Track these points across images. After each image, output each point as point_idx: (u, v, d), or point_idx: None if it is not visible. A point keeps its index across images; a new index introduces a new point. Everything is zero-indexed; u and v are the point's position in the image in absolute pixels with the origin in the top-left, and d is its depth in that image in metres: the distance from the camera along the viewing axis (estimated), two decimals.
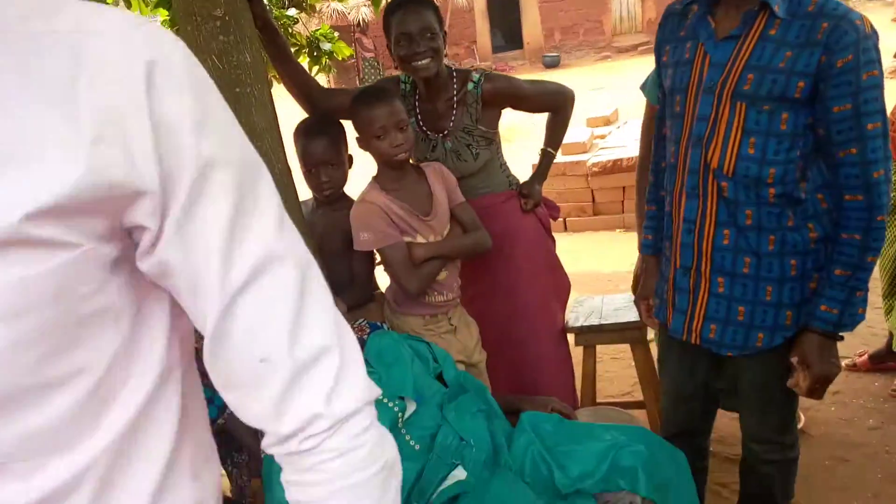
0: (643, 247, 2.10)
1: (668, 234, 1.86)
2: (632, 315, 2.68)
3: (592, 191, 5.99)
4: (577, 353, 2.76)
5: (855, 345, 3.31)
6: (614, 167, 5.80)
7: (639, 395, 3.39)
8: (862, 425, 2.78)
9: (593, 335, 2.69)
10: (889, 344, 3.12)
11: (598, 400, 2.87)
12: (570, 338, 2.74)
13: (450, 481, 1.71)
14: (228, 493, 2.19)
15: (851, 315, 1.59)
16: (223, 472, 2.18)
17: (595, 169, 5.90)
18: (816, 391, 1.68)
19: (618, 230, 5.88)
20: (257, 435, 1.80)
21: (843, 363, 3.22)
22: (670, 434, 2.04)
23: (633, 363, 3.74)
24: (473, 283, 2.54)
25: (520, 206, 2.51)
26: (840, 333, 1.63)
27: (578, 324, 2.70)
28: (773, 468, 1.93)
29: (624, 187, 5.81)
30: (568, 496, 1.71)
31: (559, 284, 2.69)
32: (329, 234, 2.18)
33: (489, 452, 1.81)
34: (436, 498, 1.66)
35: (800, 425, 2.66)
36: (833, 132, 1.54)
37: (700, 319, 1.79)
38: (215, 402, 1.90)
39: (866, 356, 3.19)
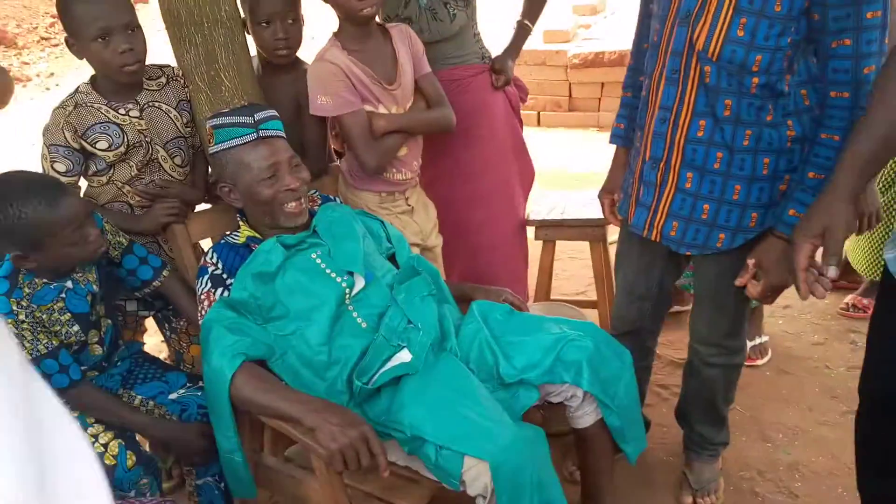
0: (613, 136, 1.99)
1: (640, 124, 1.76)
2: (594, 213, 2.60)
3: (570, 84, 5.76)
4: (535, 249, 2.70)
5: None
6: (595, 60, 5.56)
7: (592, 295, 3.39)
8: (806, 340, 2.83)
9: (553, 230, 2.62)
10: (843, 264, 3.13)
11: (553, 297, 2.84)
12: (530, 232, 2.67)
13: (394, 362, 1.66)
14: (166, 359, 2.12)
15: None
16: (161, 337, 2.10)
17: (575, 61, 5.64)
18: (767, 298, 1.65)
19: (592, 129, 5.73)
20: (195, 300, 1.73)
21: None
22: (619, 332, 2.03)
23: (589, 264, 3.76)
24: (434, 164, 2.42)
25: (490, 83, 2.35)
26: None
27: (540, 217, 2.62)
28: (717, 372, 1.94)
29: (603, 83, 5.60)
30: (511, 386, 1.69)
31: (524, 171, 2.58)
32: (279, 99, 1.99)
33: (436, 337, 1.75)
34: (378, 378, 1.61)
35: (761, 340, 2.69)
36: (829, 18, 1.41)
37: (663, 216, 1.72)
38: (150, 264, 1.79)
39: None
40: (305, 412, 1.46)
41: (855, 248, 2.72)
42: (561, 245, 2.80)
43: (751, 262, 1.62)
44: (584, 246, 3.91)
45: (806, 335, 2.86)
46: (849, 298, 2.99)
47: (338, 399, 1.62)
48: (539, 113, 5.89)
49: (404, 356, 1.67)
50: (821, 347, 2.77)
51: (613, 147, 2.03)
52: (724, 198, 1.63)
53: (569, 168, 4.97)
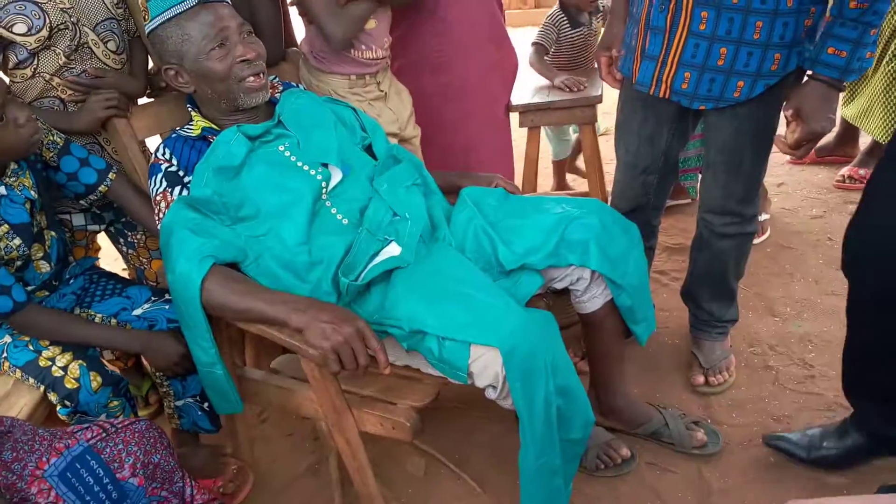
0: None
1: None
2: (583, 93, 2.42)
3: None
4: (518, 140, 2.51)
5: None
6: None
7: (580, 188, 3.25)
8: (805, 215, 2.73)
9: (540, 114, 2.42)
10: (838, 136, 3.01)
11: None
12: (514, 120, 2.47)
13: (382, 257, 1.49)
14: (126, 275, 1.92)
15: (860, 59, 1.38)
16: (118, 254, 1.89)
17: None
18: (803, 147, 1.50)
19: None
20: (150, 205, 1.52)
21: (787, 157, 3.13)
22: (622, 212, 1.87)
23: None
24: (400, 52, 2.17)
25: None
26: (844, 83, 1.42)
27: (524, 101, 2.41)
28: (729, 243, 1.81)
29: None
30: (512, 273, 1.54)
31: (504, 62, 2.34)
32: None
33: (426, 227, 1.58)
34: (367, 273, 1.44)
35: (762, 217, 2.57)
36: None
37: (673, 67, 1.55)
38: (92, 166, 1.56)
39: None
40: (290, 312, 1.29)
41: (871, 114, 2.57)
42: (541, 142, 2.61)
43: (788, 112, 1.48)
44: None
45: (803, 210, 2.75)
46: (844, 170, 2.89)
47: (325, 300, 1.45)
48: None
49: (393, 249, 1.51)
50: (820, 221, 2.67)
51: None
52: (743, 38, 1.45)
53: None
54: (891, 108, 2.46)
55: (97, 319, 1.56)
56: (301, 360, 1.32)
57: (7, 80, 1.60)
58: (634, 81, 1.66)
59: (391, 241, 1.52)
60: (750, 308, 2.22)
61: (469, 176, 1.82)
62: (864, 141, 2.95)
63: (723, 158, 1.66)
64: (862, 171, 2.82)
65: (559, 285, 1.61)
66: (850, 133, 2.97)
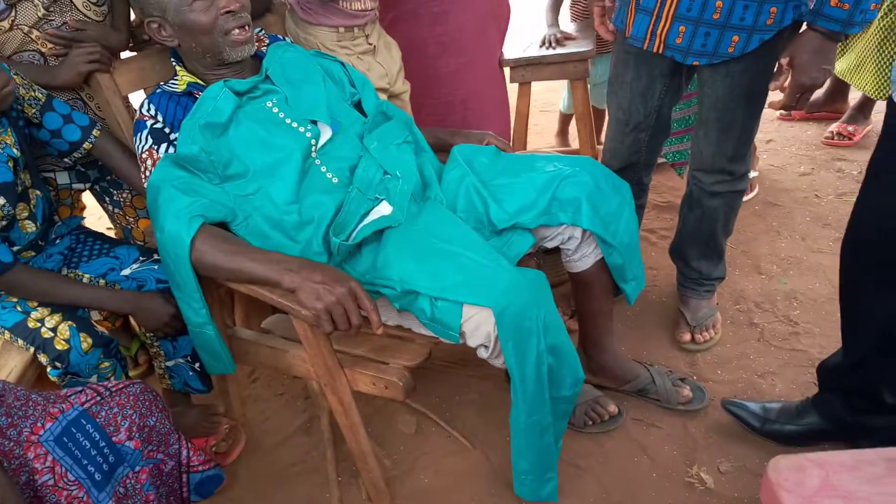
0: None
1: None
2: (575, 47, 2.38)
3: None
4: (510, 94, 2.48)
5: None
6: None
7: (570, 146, 3.23)
8: (793, 172, 2.73)
9: (531, 70, 2.39)
10: (827, 92, 3.00)
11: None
12: (506, 74, 2.43)
13: (373, 216, 1.48)
14: (113, 235, 1.89)
15: (864, 11, 1.35)
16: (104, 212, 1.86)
17: None
18: (799, 100, 1.50)
19: None
20: (136, 162, 1.48)
21: (777, 113, 3.12)
22: (613, 169, 1.86)
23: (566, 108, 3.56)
24: (395, 2, 2.12)
25: None
26: (844, 35, 1.40)
27: (514, 56, 2.37)
28: (719, 202, 1.81)
29: None
30: (504, 232, 1.53)
31: (499, 10, 2.29)
32: None
33: (417, 186, 1.57)
34: (358, 233, 1.43)
35: (751, 174, 2.57)
36: None
37: (668, 20, 1.52)
38: (76, 122, 1.52)
39: None
40: (282, 272, 1.28)
41: (862, 70, 2.55)
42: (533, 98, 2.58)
43: (784, 60, 1.46)
44: (556, 97, 3.74)
45: (791, 167, 2.76)
46: (833, 127, 2.88)
47: (317, 258, 1.44)
48: None
49: (384, 209, 1.50)
50: (808, 178, 2.67)
51: None
52: None
53: (530, 22, 4.64)
54: (884, 63, 2.44)
55: (85, 280, 1.55)
56: (293, 320, 1.32)
57: None
58: (628, 35, 1.63)
59: (382, 199, 1.51)
60: (736, 266, 2.24)
61: (460, 133, 1.80)
62: (854, 96, 2.94)
63: (715, 115, 1.65)
64: (851, 128, 2.82)
65: (550, 244, 1.61)
66: (840, 88, 2.96)
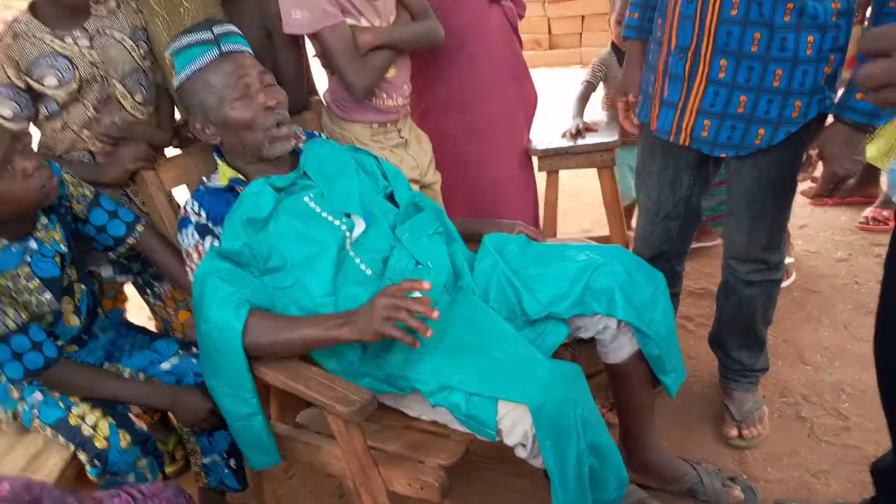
0: (626, 28, 1.78)
1: (661, 8, 1.56)
2: (602, 137, 2.41)
3: (549, 20, 5.52)
4: (538, 182, 2.51)
5: None
6: None
7: (599, 232, 3.22)
8: (829, 258, 2.68)
9: (559, 159, 2.42)
10: (859, 177, 2.98)
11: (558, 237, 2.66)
12: (533, 163, 2.47)
13: None
14: (153, 328, 1.91)
15: None
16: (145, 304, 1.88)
17: None
18: (833, 190, 1.50)
19: (576, 66, 5.51)
20: (178, 256, 1.51)
21: (809, 199, 3.10)
22: (645, 258, 1.84)
23: (591, 201, 3.58)
24: (425, 94, 2.19)
25: None
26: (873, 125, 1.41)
27: (542, 147, 2.41)
28: (756, 291, 1.77)
29: (583, 17, 5.38)
30: (538, 322, 1.51)
31: (525, 96, 2.36)
32: (243, 28, 1.68)
33: (449, 275, 1.57)
34: None
35: (789, 260, 2.53)
36: None
37: (693, 114, 1.54)
38: (121, 218, 1.56)
39: None
40: (341, 326, 1.30)
41: (891, 154, 2.54)
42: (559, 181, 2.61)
43: (813, 152, 1.47)
44: (585, 183, 3.78)
45: (828, 252, 2.71)
46: (867, 212, 2.85)
47: (350, 354, 1.44)
48: None
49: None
50: (846, 263, 2.62)
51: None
52: (763, 85, 1.44)
53: (554, 110, 4.76)
54: None
55: (126, 374, 1.55)
56: (327, 415, 1.29)
57: (38, 133, 1.63)
58: (654, 129, 1.66)
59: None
60: (779, 355, 2.17)
61: (490, 222, 1.82)
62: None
63: (745, 206, 1.64)
64: (885, 213, 2.79)
65: (585, 335, 1.58)
66: (871, 174, 2.94)
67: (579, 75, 5.21)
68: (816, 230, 2.89)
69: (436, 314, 1.24)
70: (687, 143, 1.60)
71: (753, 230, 1.68)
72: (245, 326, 1.30)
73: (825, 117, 1.54)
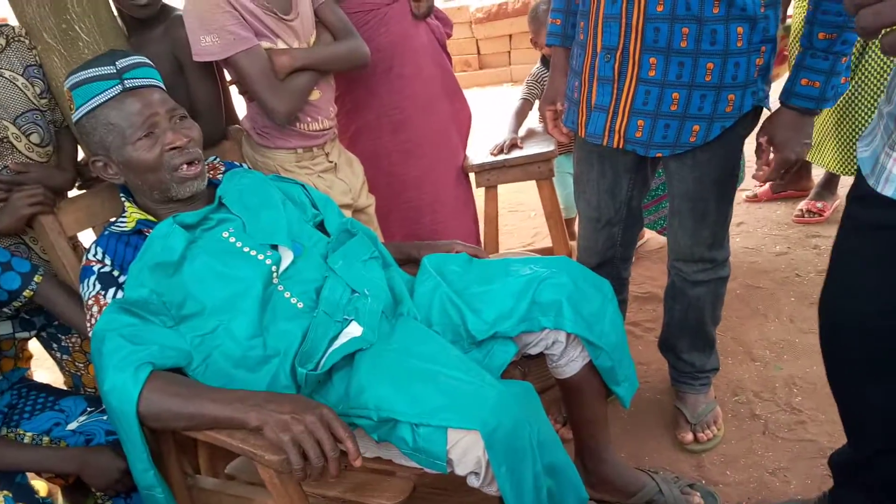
0: (549, 35, 1.75)
1: (584, 11, 1.53)
2: (537, 148, 2.38)
3: (477, 41, 5.55)
4: (477, 198, 2.46)
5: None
6: (500, 12, 5.37)
7: (542, 244, 3.20)
8: (769, 252, 2.70)
9: (496, 173, 2.38)
10: (791, 173, 3.03)
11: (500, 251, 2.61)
12: (471, 178, 2.42)
13: (342, 339, 1.38)
14: (63, 385, 1.75)
15: (834, 87, 1.36)
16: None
17: (479, 15, 5.43)
18: (784, 175, 1.51)
19: (506, 84, 5.54)
20: (82, 306, 1.38)
21: (744, 195, 3.14)
22: (590, 267, 1.80)
23: (531, 215, 3.57)
24: (356, 116, 2.13)
25: (410, 11, 2.06)
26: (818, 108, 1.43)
27: (479, 161, 2.37)
28: (703, 290, 1.75)
29: (511, 35, 5.42)
30: (484, 342, 1.44)
31: (459, 114, 2.32)
32: (152, 61, 1.60)
33: (388, 302, 1.48)
34: (326, 360, 1.33)
35: None
36: None
37: (625, 116, 1.51)
38: (15, 269, 1.42)
39: (767, 186, 3.11)
40: (248, 410, 1.15)
41: (823, 148, 2.59)
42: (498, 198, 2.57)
43: (763, 139, 1.46)
44: (524, 197, 3.76)
45: (767, 248, 2.74)
46: (802, 205, 2.90)
47: (282, 391, 1.32)
48: None
49: (353, 330, 1.40)
50: (785, 257, 2.65)
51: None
52: (694, 81, 1.42)
53: (489, 128, 4.76)
54: (843, 140, 2.48)
55: (27, 439, 1.40)
56: (258, 466, 1.18)
57: None
58: (583, 135, 1.62)
59: (351, 320, 1.42)
60: (728, 354, 2.15)
61: (426, 245, 1.74)
62: (817, 173, 2.98)
63: (688, 206, 1.62)
64: (819, 204, 2.83)
65: (534, 351, 1.52)
66: (802, 167, 3.01)
67: (511, 93, 5.29)
68: (753, 227, 2.92)
69: (358, 463, 1.12)
70: (621, 146, 1.57)
71: (697, 230, 1.65)
72: (141, 392, 1.17)
73: (760, 111, 1.54)
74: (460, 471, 1.21)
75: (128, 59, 1.37)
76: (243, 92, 1.77)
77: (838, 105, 2.49)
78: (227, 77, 1.87)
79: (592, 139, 1.60)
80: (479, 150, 2.48)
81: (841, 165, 2.52)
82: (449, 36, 2.28)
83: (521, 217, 3.56)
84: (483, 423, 1.15)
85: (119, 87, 1.33)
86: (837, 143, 2.50)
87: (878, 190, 1.07)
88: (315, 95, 1.77)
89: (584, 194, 1.79)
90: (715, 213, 1.62)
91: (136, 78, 1.35)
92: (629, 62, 1.45)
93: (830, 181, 2.84)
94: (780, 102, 1.46)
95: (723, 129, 1.48)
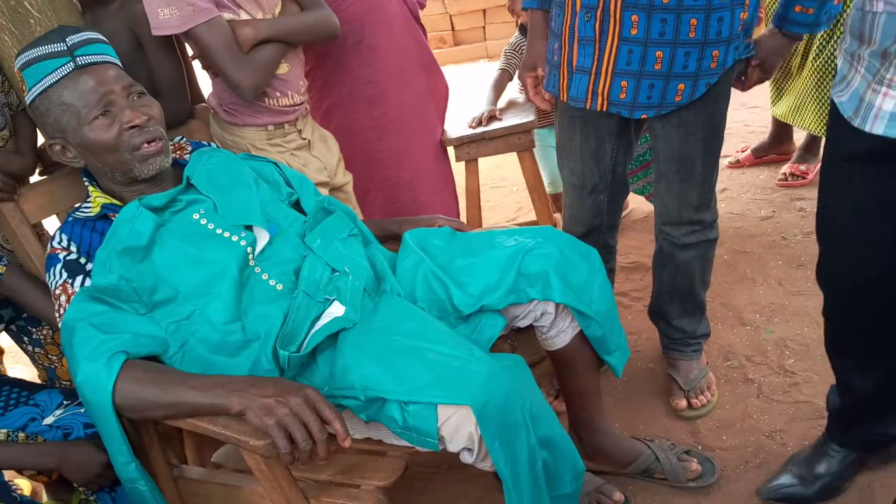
0: None
1: None
2: (516, 118, 2.33)
3: (451, 17, 5.46)
4: (457, 173, 2.41)
5: (734, 143, 3.21)
6: None
7: (525, 219, 3.16)
8: (754, 217, 2.68)
9: (476, 146, 2.32)
10: (772, 136, 3.02)
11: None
12: (450, 153, 2.37)
13: (325, 320, 1.33)
14: (38, 380, 1.69)
15: (827, 11, 1.37)
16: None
17: None
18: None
19: (482, 60, 5.46)
20: (49, 294, 1.31)
21: (725, 162, 3.11)
22: (577, 236, 1.76)
23: (513, 189, 3.53)
24: (328, 90, 2.06)
25: None
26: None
27: (458, 135, 2.31)
28: (692, 253, 1.72)
29: (485, 10, 5.33)
30: (471, 317, 1.40)
31: (435, 87, 2.26)
32: (110, 40, 1.45)
33: (370, 279, 1.43)
34: (309, 341, 1.28)
35: None
36: None
37: (608, 77, 1.46)
38: None
39: (749, 151, 3.09)
40: (229, 395, 1.10)
41: (804, 110, 2.56)
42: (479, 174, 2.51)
43: (755, 62, 1.53)
44: (504, 172, 3.71)
45: (752, 213, 2.71)
46: (785, 168, 2.87)
47: (265, 374, 1.27)
48: None
49: (336, 310, 1.35)
50: (771, 221, 2.63)
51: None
52: (678, 38, 1.38)
53: (466, 104, 4.69)
54: (824, 101, 2.46)
55: (1, 437, 1.34)
56: (243, 453, 1.13)
57: None
58: (565, 99, 1.57)
59: (332, 300, 1.37)
60: (718, 319, 2.13)
61: (406, 220, 1.69)
62: (798, 137, 2.96)
63: (674, 167, 1.58)
64: (803, 167, 2.81)
65: (522, 323, 1.48)
66: (783, 131, 2.98)
67: (487, 68, 5.22)
68: (737, 192, 2.90)
69: (347, 443, 1.07)
70: (605, 108, 1.52)
71: (684, 192, 1.62)
72: (116, 383, 1.12)
73: (741, 63, 1.51)
74: (452, 448, 1.17)
75: (79, 34, 1.29)
76: (206, 66, 1.70)
77: (818, 66, 2.46)
78: (190, 52, 1.79)
79: (575, 103, 1.55)
80: (456, 124, 2.42)
81: (821, 126, 2.50)
82: (422, 7, 2.21)
83: (504, 192, 3.51)
84: (474, 398, 1.11)
85: (71, 65, 1.25)
86: (818, 104, 2.47)
87: (867, 129, 1.06)
88: (283, 69, 1.70)
89: (567, 162, 1.74)
90: (701, 174, 1.58)
91: (88, 55, 1.28)
92: (610, 20, 1.40)
93: (812, 143, 2.82)
94: (776, 28, 1.48)
95: (707, 87, 1.44)
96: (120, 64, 1.34)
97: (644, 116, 1.50)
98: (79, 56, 1.25)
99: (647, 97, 1.46)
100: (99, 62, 1.29)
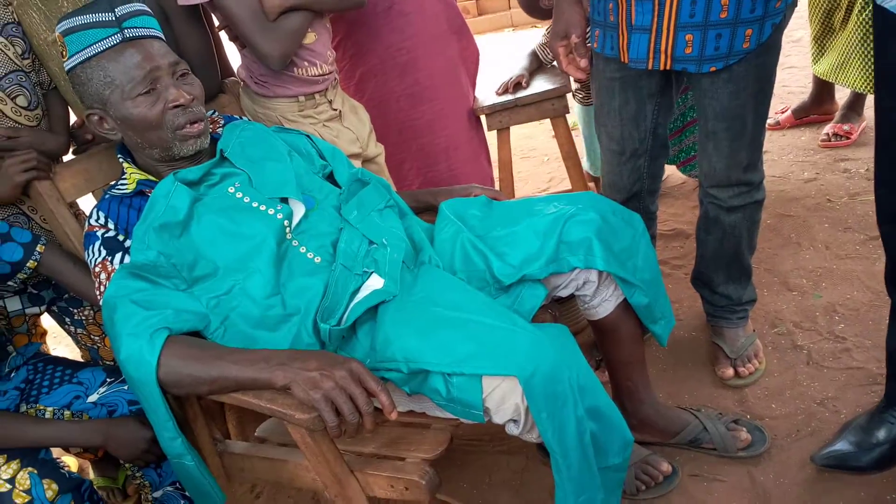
0: None
1: None
2: (549, 83, 2.27)
3: None
4: (489, 144, 2.36)
5: (773, 105, 3.09)
6: None
7: (558, 189, 3.10)
8: (797, 179, 2.59)
9: (508, 114, 2.27)
10: (813, 95, 2.91)
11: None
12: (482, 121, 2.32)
13: (364, 293, 1.31)
14: (81, 360, 1.70)
15: None
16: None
17: None
18: None
19: (507, 29, 5.35)
20: (89, 273, 1.31)
21: (767, 123, 3.01)
22: (617, 202, 1.71)
23: (544, 159, 3.46)
24: (360, 59, 2.02)
25: None
26: None
27: (490, 102, 2.26)
28: (739, 216, 1.66)
29: None
30: (511, 287, 1.36)
31: (467, 52, 2.21)
32: None
33: (408, 251, 1.40)
34: (349, 314, 1.26)
35: None
36: None
37: (671, 32, 1.39)
38: (16, 240, 1.35)
39: (789, 112, 2.98)
40: (272, 369, 1.08)
41: (848, 67, 2.44)
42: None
43: None
44: (534, 143, 3.65)
45: (795, 175, 2.63)
46: (827, 128, 2.77)
47: (307, 347, 1.26)
48: None
49: (374, 283, 1.33)
50: (814, 183, 2.54)
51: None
52: None
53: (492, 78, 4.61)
54: (870, 58, 2.35)
55: (48, 414, 1.35)
56: (288, 427, 1.12)
57: None
58: (626, 61, 1.50)
59: (371, 273, 1.34)
60: (764, 286, 2.06)
61: (442, 191, 1.65)
62: (840, 96, 2.85)
63: (724, 125, 1.51)
64: (846, 127, 2.71)
65: (564, 293, 1.44)
66: (825, 90, 2.87)
67: (513, 38, 5.11)
68: (779, 154, 2.81)
69: (394, 416, 1.05)
70: (668, 67, 1.45)
71: (734, 151, 1.55)
72: (160, 358, 1.11)
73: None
74: (497, 419, 1.15)
75: (127, 6, 1.26)
76: (234, 38, 1.67)
77: (862, 20, 2.35)
78: (216, 24, 1.76)
79: (636, 64, 1.48)
80: (486, 92, 2.36)
81: (867, 83, 2.39)
82: None
83: (535, 163, 3.45)
84: (520, 369, 1.08)
85: (118, 37, 1.23)
86: (863, 60, 2.36)
87: None
88: (310, 38, 1.66)
89: (605, 126, 1.68)
90: (752, 131, 1.52)
91: (136, 27, 1.25)
92: None
93: (856, 101, 2.71)
94: None
95: (773, 28, 1.37)
96: (164, 38, 1.32)
97: (713, 69, 1.42)
98: (126, 28, 1.23)
99: (715, 48, 1.39)
100: (146, 36, 1.26)
